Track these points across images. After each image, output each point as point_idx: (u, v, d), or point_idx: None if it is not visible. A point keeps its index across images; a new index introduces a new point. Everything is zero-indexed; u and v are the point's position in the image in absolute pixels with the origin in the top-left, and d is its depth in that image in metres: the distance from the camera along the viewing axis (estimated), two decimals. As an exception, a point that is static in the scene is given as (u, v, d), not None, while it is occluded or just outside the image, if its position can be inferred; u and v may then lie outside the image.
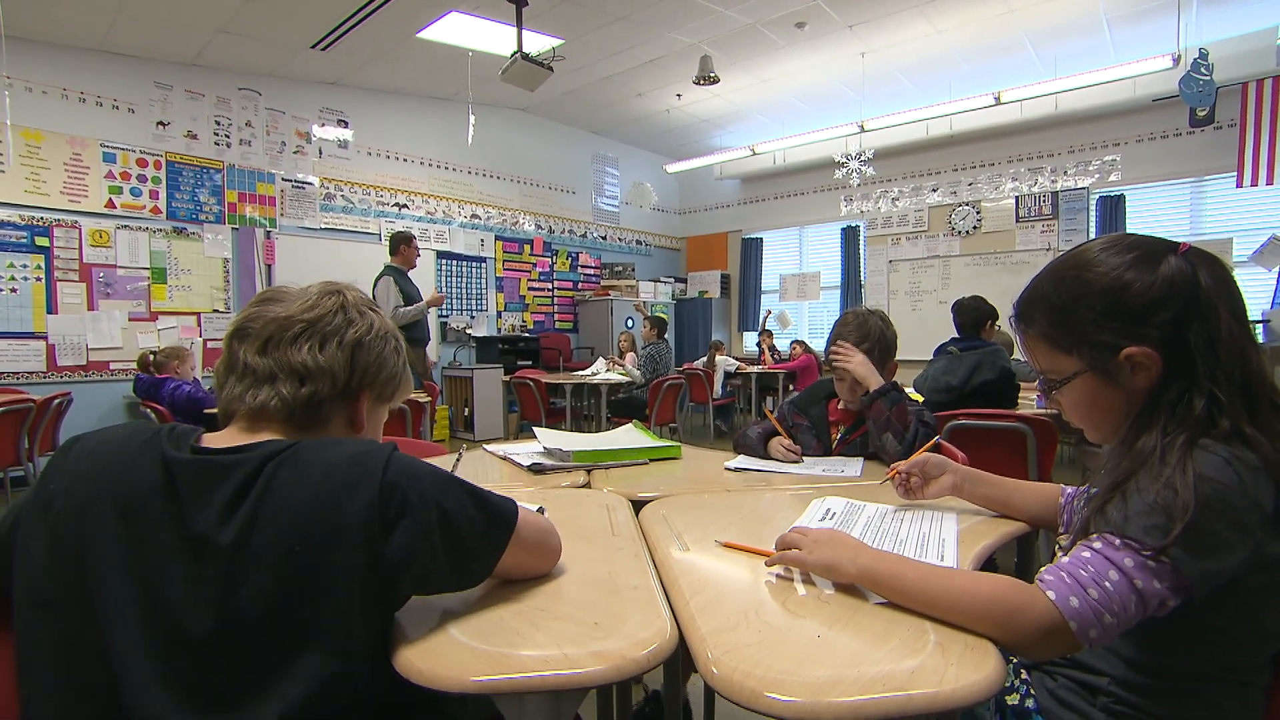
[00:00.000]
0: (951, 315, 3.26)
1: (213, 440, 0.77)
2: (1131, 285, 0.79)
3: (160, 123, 5.60)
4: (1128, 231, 1.12)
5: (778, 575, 0.90)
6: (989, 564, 1.07)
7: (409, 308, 5.00)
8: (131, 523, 0.69)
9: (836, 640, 0.71)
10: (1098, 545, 0.73)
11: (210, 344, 5.76)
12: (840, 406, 1.82)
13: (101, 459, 0.74)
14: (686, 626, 0.76)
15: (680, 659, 0.74)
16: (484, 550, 0.79)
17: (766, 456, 1.74)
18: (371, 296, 4.46)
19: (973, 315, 3.18)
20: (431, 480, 0.74)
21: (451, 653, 0.70)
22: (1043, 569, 0.75)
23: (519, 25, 5.10)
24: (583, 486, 1.50)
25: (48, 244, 5.08)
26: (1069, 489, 1.10)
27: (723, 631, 0.73)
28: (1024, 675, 0.91)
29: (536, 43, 5.57)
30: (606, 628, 0.74)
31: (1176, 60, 5.08)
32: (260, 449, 0.72)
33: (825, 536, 0.88)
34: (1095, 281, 0.81)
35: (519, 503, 0.86)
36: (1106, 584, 0.70)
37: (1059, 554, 0.91)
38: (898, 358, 1.76)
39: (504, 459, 1.77)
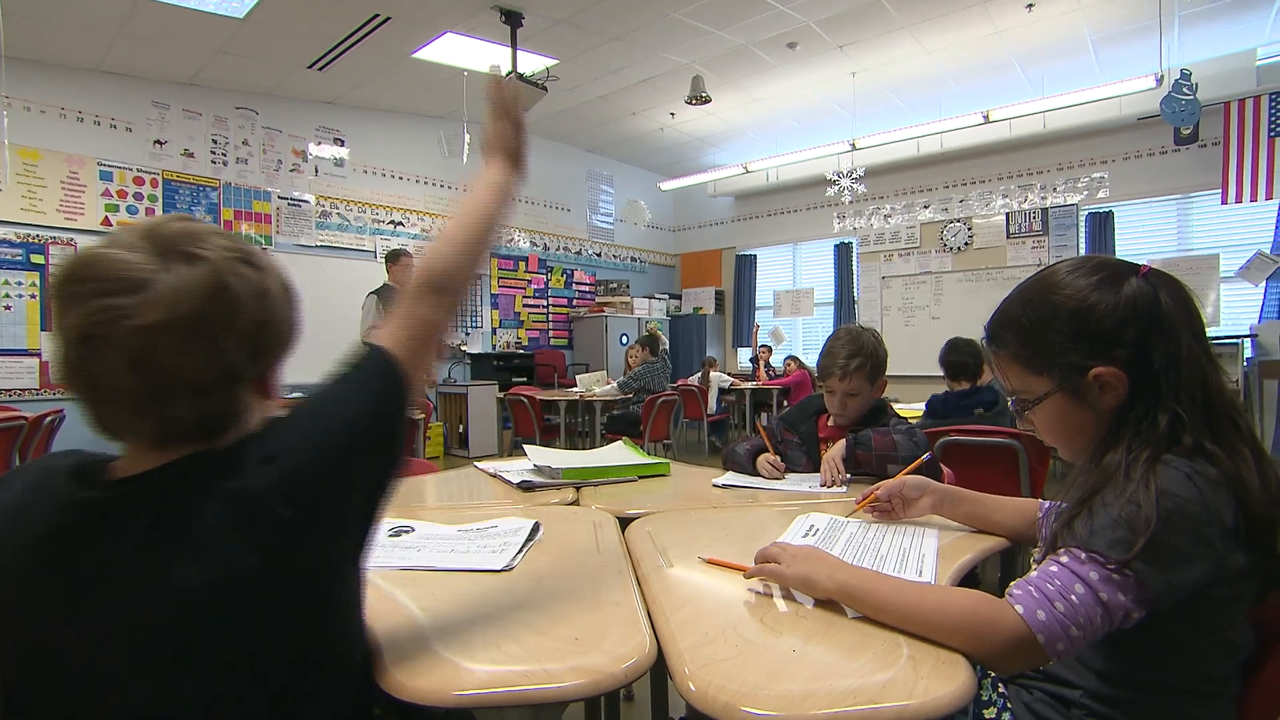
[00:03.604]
0: (946, 355, 3.00)
1: (122, 468, 0.66)
2: (1097, 307, 0.82)
3: (157, 141, 5.64)
4: (1092, 253, 1.15)
5: (757, 592, 0.91)
6: (970, 578, 1.09)
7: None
8: (39, 571, 0.61)
9: (811, 654, 0.73)
10: (1064, 559, 0.75)
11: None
12: (830, 423, 1.84)
13: (8, 506, 0.65)
14: (666, 642, 0.77)
15: (667, 674, 0.75)
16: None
17: (755, 473, 1.76)
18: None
19: (977, 359, 2.93)
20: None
21: (434, 667, 0.71)
22: (1012, 584, 0.77)
23: (514, 46, 5.18)
24: (571, 504, 1.51)
25: (43, 261, 5.10)
26: (1046, 503, 1.12)
27: (701, 646, 0.75)
28: (1001, 689, 0.92)
29: (531, 63, 5.65)
30: (586, 643, 0.76)
31: (1159, 80, 5.17)
32: (165, 475, 0.63)
33: (804, 552, 0.90)
34: (1062, 304, 0.84)
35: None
36: (1073, 597, 0.72)
37: (1033, 567, 0.93)
38: (891, 374, 1.80)
39: (494, 476, 1.78)
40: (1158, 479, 0.73)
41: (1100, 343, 0.82)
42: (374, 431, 0.68)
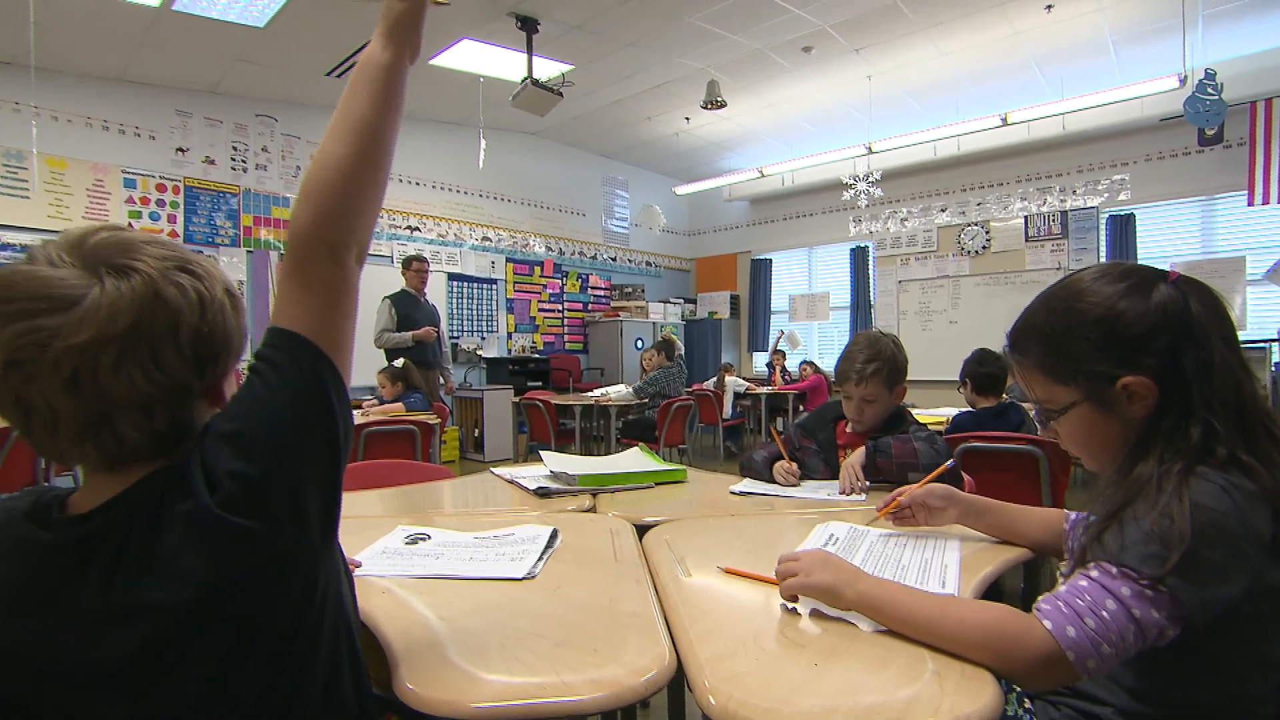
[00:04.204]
0: (976, 366, 2.89)
1: (78, 502, 0.64)
2: (1125, 315, 0.80)
3: (179, 149, 5.73)
4: (1118, 259, 1.13)
5: (786, 608, 0.89)
6: (994, 588, 1.07)
7: (395, 334, 5.04)
8: (12, 622, 0.60)
9: (833, 669, 0.72)
10: (1095, 574, 0.73)
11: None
12: (848, 429, 1.82)
13: None
14: (685, 654, 0.76)
15: (685, 685, 0.74)
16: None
17: (773, 480, 1.74)
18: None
19: (1006, 373, 2.79)
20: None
21: (451, 678, 0.71)
22: (1040, 598, 0.75)
23: (529, 52, 5.21)
24: (588, 510, 1.50)
25: (68, 268, 5.19)
26: (1073, 514, 1.09)
27: (721, 659, 0.74)
28: (1027, 704, 0.90)
29: (547, 69, 5.67)
30: (605, 654, 0.75)
31: (1183, 80, 5.09)
32: (120, 508, 0.61)
33: (820, 558, 0.88)
34: (1089, 311, 0.82)
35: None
36: (1104, 613, 0.70)
37: (1060, 581, 0.91)
38: (908, 379, 1.78)
39: (511, 482, 1.78)
40: (1191, 492, 0.71)
41: (1129, 351, 0.80)
42: (306, 416, 0.64)
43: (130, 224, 5.41)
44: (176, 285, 0.62)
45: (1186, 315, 0.78)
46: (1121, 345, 0.80)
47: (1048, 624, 0.71)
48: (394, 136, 0.72)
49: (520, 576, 1.00)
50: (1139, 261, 6.96)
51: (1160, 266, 0.85)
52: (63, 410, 0.58)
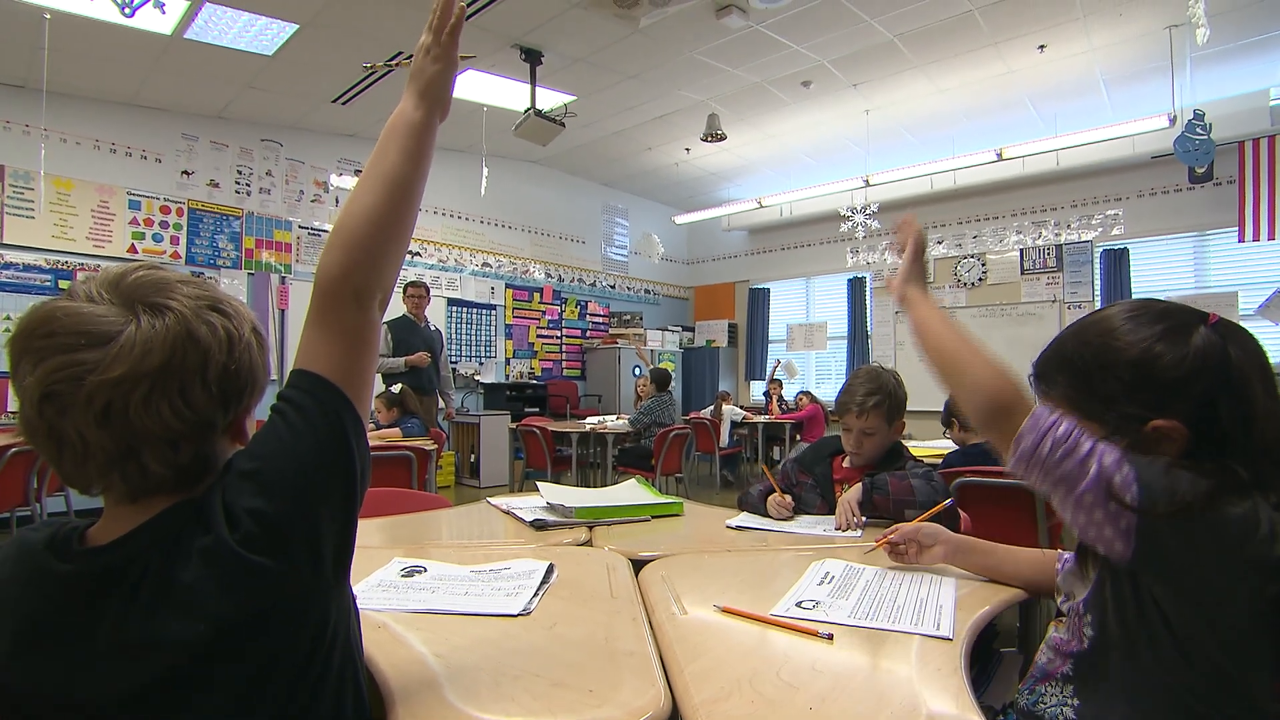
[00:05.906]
0: (954, 407, 3.04)
1: (97, 533, 0.65)
2: (1162, 358, 0.78)
3: (185, 172, 5.79)
4: (1144, 297, 1.19)
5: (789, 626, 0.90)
6: (989, 628, 1.07)
7: (388, 359, 5.06)
8: (31, 651, 0.61)
9: (828, 712, 0.72)
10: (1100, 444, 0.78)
11: (222, 387, 5.82)
12: (846, 463, 1.82)
13: None
14: (680, 696, 0.76)
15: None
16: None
17: (768, 514, 1.75)
18: None
19: None
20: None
21: (446, 717, 0.71)
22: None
23: (533, 83, 5.30)
24: (584, 544, 1.50)
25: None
26: (1066, 555, 1.10)
27: (716, 701, 0.74)
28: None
29: (550, 99, 5.76)
30: (601, 695, 0.75)
31: (1172, 120, 5.20)
32: (141, 539, 0.62)
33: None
34: (1124, 351, 0.81)
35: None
36: (1078, 447, 0.77)
37: (1053, 627, 0.91)
38: (908, 408, 1.80)
39: (507, 513, 1.78)
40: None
41: (1163, 395, 0.78)
42: (326, 458, 0.65)
43: (133, 245, 5.47)
44: (208, 324, 0.64)
45: (1225, 361, 0.77)
46: (1156, 388, 0.78)
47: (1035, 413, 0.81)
48: (421, 189, 0.76)
49: (516, 613, 1.00)
50: (1134, 295, 6.89)
51: (1167, 300, 0.87)
52: (93, 442, 0.60)
